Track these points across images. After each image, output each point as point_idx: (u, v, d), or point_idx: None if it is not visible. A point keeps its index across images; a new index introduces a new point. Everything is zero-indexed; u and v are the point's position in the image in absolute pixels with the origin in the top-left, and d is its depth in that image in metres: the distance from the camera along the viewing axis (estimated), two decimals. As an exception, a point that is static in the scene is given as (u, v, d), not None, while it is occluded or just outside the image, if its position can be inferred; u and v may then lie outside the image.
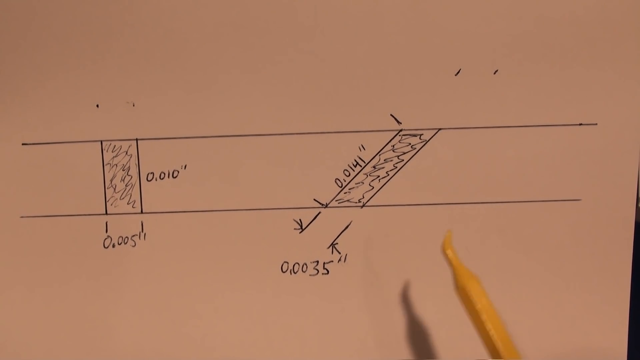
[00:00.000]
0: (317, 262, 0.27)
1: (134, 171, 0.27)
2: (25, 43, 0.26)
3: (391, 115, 0.26)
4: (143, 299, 0.27)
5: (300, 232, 0.27)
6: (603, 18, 0.25)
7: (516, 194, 0.26)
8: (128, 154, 0.26)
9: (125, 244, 0.27)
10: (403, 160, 0.26)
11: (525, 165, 0.26)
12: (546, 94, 0.25)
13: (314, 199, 0.26)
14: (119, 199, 0.27)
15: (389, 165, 0.26)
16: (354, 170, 0.26)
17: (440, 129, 0.26)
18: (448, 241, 0.22)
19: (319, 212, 0.26)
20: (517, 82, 0.25)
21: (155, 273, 0.27)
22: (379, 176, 0.26)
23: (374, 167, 0.26)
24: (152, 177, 0.27)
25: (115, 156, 0.26)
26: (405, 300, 0.27)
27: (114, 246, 0.27)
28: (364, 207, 0.26)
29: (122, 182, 0.27)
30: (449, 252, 0.22)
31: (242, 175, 0.26)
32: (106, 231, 0.27)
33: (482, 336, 0.21)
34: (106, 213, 0.27)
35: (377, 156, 0.26)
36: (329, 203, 0.26)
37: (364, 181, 0.26)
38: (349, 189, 0.26)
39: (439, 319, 0.27)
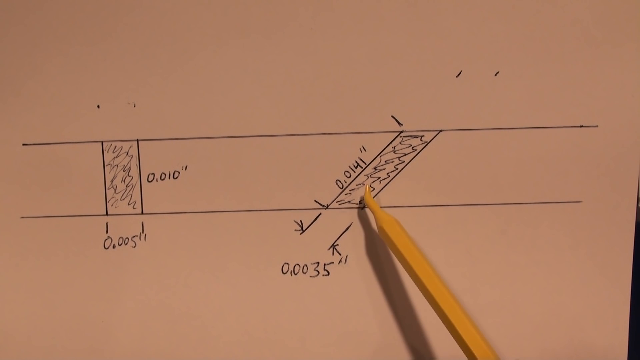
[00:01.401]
0: (318, 263, 0.27)
1: (134, 172, 0.27)
2: (25, 43, 0.26)
3: (392, 116, 0.26)
4: (143, 299, 0.27)
5: (300, 234, 0.27)
6: (603, 19, 0.25)
7: (517, 195, 0.26)
8: (129, 154, 0.26)
9: (126, 244, 0.27)
10: (404, 161, 0.26)
11: (526, 167, 0.26)
12: (547, 95, 0.25)
13: (315, 200, 0.26)
14: (119, 199, 0.27)
15: (389, 167, 0.26)
16: (354, 172, 0.26)
17: (441, 131, 0.26)
18: (368, 193, 0.26)
19: (320, 214, 0.26)
20: (518, 84, 0.25)
21: (156, 274, 0.27)
22: (379, 177, 0.26)
23: (375, 168, 0.26)
24: (153, 178, 0.27)
25: (116, 157, 0.26)
26: (405, 301, 0.27)
27: (114, 247, 0.27)
28: (364, 209, 0.26)
29: (123, 182, 0.27)
30: (369, 200, 0.25)
31: (242, 176, 0.26)
32: (107, 232, 0.27)
33: (407, 271, 0.23)
34: (107, 214, 0.27)
35: (378, 157, 0.26)
36: (329, 204, 0.26)
37: (364, 182, 0.26)
38: (350, 190, 0.26)
39: (439, 319, 0.27)
